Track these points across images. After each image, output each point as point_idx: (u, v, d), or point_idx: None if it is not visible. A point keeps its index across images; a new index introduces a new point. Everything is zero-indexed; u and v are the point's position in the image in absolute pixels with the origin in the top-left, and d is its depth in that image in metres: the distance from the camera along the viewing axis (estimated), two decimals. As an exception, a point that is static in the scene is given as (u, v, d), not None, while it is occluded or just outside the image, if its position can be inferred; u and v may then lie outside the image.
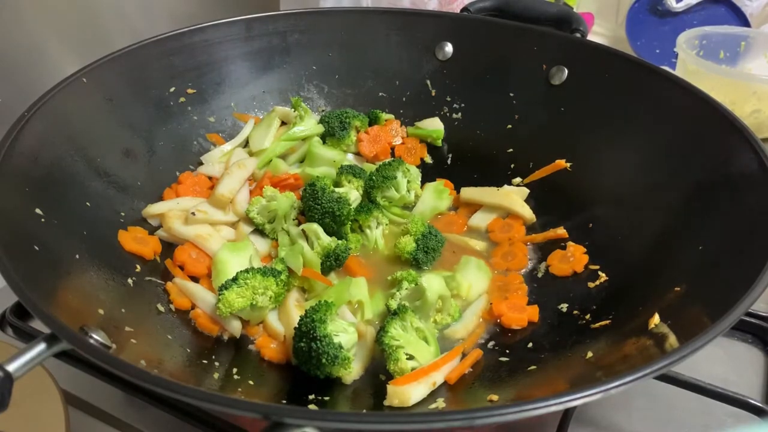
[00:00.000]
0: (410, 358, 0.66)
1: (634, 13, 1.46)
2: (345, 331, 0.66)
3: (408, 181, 0.92)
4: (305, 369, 0.65)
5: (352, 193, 0.88)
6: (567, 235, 0.84)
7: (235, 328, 0.71)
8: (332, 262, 0.78)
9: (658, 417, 0.69)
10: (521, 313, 0.74)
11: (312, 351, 0.62)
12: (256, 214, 0.84)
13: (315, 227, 0.80)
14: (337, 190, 0.85)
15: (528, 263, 0.84)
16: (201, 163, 0.93)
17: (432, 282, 0.72)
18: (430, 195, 0.93)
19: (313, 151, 0.95)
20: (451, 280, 0.77)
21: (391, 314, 0.69)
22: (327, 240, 0.79)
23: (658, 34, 1.43)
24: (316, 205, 0.82)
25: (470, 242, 0.87)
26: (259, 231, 0.85)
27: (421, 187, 0.96)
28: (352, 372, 0.66)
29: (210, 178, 0.91)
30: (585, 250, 0.80)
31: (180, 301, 0.73)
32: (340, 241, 0.79)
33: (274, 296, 0.72)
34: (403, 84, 1.04)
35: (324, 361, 0.62)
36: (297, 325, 0.65)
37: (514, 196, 0.91)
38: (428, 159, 1.02)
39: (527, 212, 0.89)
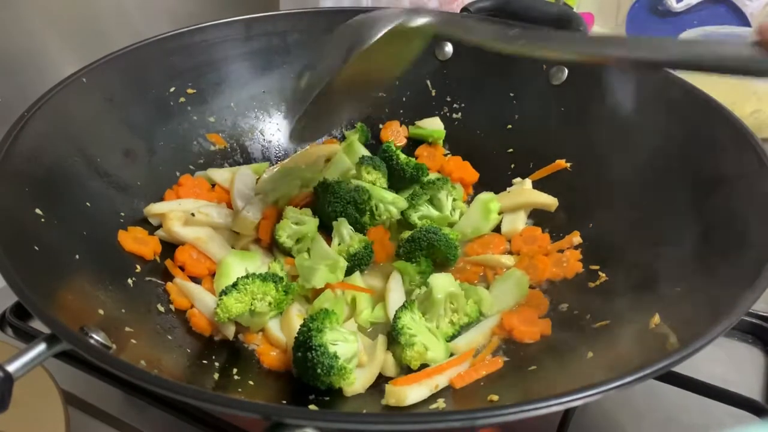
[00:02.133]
0: (426, 349, 0.67)
1: (634, 13, 1.45)
2: (345, 341, 0.64)
3: (453, 199, 0.89)
4: (306, 380, 0.64)
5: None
6: (581, 241, 0.83)
7: (229, 330, 0.71)
8: (357, 264, 0.78)
9: (658, 417, 0.69)
10: (533, 326, 0.72)
11: (308, 361, 0.62)
12: (286, 238, 0.81)
13: (341, 224, 0.80)
14: (353, 181, 0.85)
15: (547, 277, 0.80)
16: (201, 164, 0.93)
17: (438, 281, 0.72)
18: (477, 212, 0.88)
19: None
20: (473, 293, 0.75)
21: (401, 308, 0.70)
22: (355, 239, 0.80)
23: (658, 34, 1.43)
24: (335, 199, 0.82)
25: (501, 259, 0.83)
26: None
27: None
28: (353, 384, 0.64)
29: (213, 184, 0.90)
30: (580, 256, 0.80)
31: (180, 301, 0.73)
32: (360, 241, 0.79)
33: (274, 303, 0.71)
34: (403, 84, 1.04)
35: (319, 371, 0.61)
36: (296, 335, 0.65)
37: (527, 191, 0.90)
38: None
39: (548, 199, 0.88)
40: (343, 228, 0.81)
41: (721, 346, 0.77)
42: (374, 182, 0.90)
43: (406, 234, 0.82)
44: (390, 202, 0.86)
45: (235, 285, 0.70)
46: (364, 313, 0.75)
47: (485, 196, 0.90)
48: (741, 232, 0.64)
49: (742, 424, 0.67)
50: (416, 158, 0.99)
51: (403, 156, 0.94)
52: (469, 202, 0.93)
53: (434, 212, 0.87)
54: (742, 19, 1.38)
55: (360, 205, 0.83)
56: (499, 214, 0.89)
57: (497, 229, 0.89)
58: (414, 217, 0.87)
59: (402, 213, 0.87)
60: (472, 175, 0.97)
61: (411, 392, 0.61)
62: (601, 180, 0.86)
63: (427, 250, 0.79)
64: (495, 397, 0.60)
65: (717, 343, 0.50)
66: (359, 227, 0.84)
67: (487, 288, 0.79)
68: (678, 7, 1.40)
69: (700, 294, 0.62)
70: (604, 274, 0.77)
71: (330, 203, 0.83)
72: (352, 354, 0.65)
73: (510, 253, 0.86)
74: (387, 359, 0.68)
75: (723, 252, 0.64)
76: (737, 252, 0.62)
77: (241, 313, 0.69)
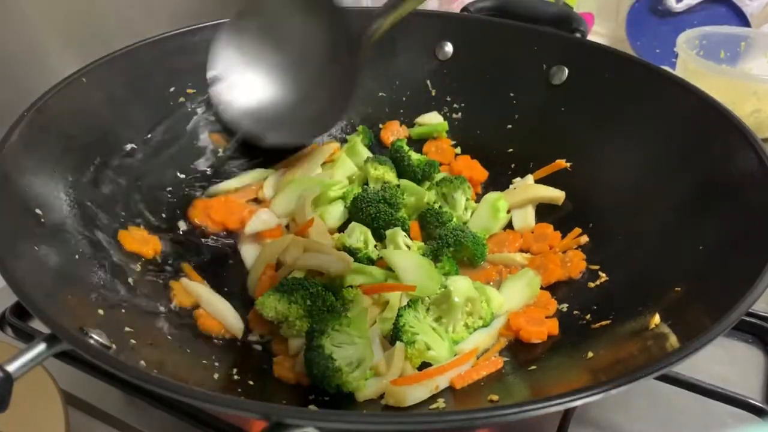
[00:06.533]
0: (428, 348, 0.67)
1: (634, 13, 1.46)
2: (352, 344, 0.64)
3: (466, 199, 0.90)
4: (313, 382, 0.64)
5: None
6: (588, 239, 0.83)
7: (236, 328, 0.71)
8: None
9: (658, 417, 0.69)
10: (541, 326, 0.70)
11: (307, 361, 0.62)
12: (354, 241, 0.82)
13: (396, 234, 0.80)
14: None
15: (561, 274, 0.79)
16: (201, 163, 0.92)
17: (458, 284, 0.72)
18: (486, 212, 0.88)
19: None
20: (482, 292, 0.74)
21: (404, 306, 0.70)
22: (413, 247, 0.81)
23: (658, 34, 1.43)
24: (366, 204, 0.83)
25: (516, 257, 0.82)
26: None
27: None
28: (363, 389, 0.63)
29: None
30: (584, 256, 0.80)
31: (183, 299, 0.73)
32: (419, 248, 0.81)
33: (299, 329, 0.70)
34: (403, 84, 1.04)
35: (315, 371, 0.61)
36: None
37: (533, 186, 0.90)
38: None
39: (555, 192, 0.88)
40: (399, 238, 0.81)
41: (721, 346, 0.77)
42: (382, 176, 0.90)
43: (435, 232, 0.82)
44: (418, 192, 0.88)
45: (290, 291, 0.69)
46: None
47: (493, 195, 0.90)
48: (741, 231, 0.64)
49: (742, 424, 0.67)
50: (426, 155, 1.00)
51: (414, 155, 0.94)
52: (476, 201, 0.92)
53: (450, 214, 0.87)
54: (742, 19, 1.38)
55: (390, 200, 0.83)
56: (507, 212, 0.89)
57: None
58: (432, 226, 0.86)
59: (422, 221, 0.87)
60: (481, 174, 0.96)
61: (411, 392, 0.61)
62: (600, 180, 0.86)
63: (455, 248, 0.79)
64: (495, 397, 0.60)
65: (717, 343, 0.50)
66: (397, 222, 0.83)
67: (496, 286, 0.78)
68: (678, 7, 1.40)
69: (700, 294, 0.62)
70: (604, 274, 0.77)
71: (362, 210, 0.83)
72: (358, 357, 0.64)
73: (522, 250, 0.85)
74: (405, 367, 0.66)
75: (723, 252, 0.64)
76: (737, 252, 0.62)
77: (280, 314, 0.69)
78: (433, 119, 1.02)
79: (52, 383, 0.65)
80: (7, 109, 0.73)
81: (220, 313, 0.72)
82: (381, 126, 1.04)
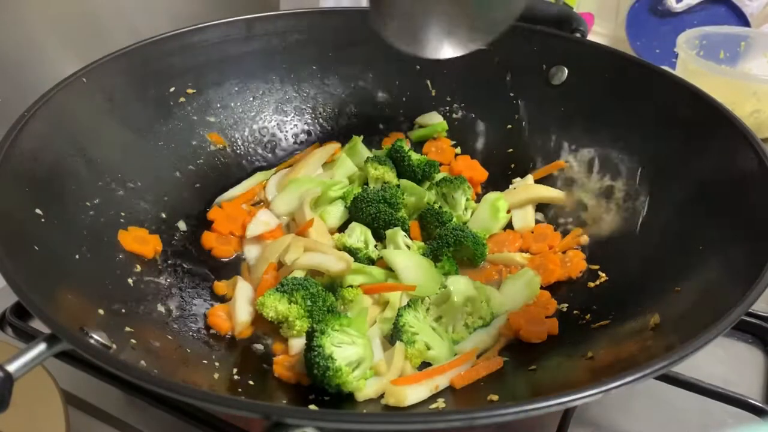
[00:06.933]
0: (428, 347, 0.67)
1: (634, 13, 1.46)
2: (352, 344, 0.64)
3: (466, 199, 0.90)
4: (314, 382, 0.63)
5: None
6: (588, 239, 0.83)
7: (243, 324, 0.72)
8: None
9: (658, 417, 0.69)
10: (541, 326, 0.70)
11: (307, 361, 0.62)
12: (354, 241, 0.82)
13: (396, 234, 0.80)
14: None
15: (561, 274, 0.79)
16: (200, 163, 0.92)
17: (458, 284, 0.72)
18: (486, 212, 0.88)
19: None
20: (482, 292, 0.73)
21: (404, 306, 0.70)
22: (413, 247, 0.81)
23: (658, 34, 1.43)
24: (366, 204, 0.83)
25: (515, 257, 0.82)
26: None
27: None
28: (363, 389, 0.63)
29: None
30: (584, 255, 0.80)
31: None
32: (420, 248, 0.81)
33: (300, 329, 0.70)
34: (403, 84, 1.04)
35: (315, 371, 0.61)
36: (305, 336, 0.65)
37: (533, 186, 0.90)
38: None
39: (555, 193, 0.89)
40: (399, 238, 0.81)
41: (721, 346, 0.77)
42: (382, 176, 0.90)
43: (435, 231, 0.82)
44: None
45: (290, 291, 0.69)
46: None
47: (492, 195, 0.90)
48: (741, 231, 0.64)
49: (742, 424, 0.67)
50: (426, 155, 0.99)
51: (414, 155, 0.94)
52: (476, 201, 0.92)
53: (450, 214, 0.87)
54: (742, 19, 1.38)
55: (390, 200, 0.83)
56: (507, 212, 0.89)
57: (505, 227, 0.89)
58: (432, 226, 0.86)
59: (422, 221, 0.87)
60: (482, 174, 0.96)
61: (411, 392, 0.61)
62: (601, 180, 0.86)
63: (455, 248, 0.79)
64: (495, 397, 0.60)
65: (717, 343, 0.50)
66: (397, 222, 0.83)
67: (496, 286, 0.78)
68: (678, 7, 1.41)
69: (700, 294, 0.62)
70: (604, 274, 0.77)
71: (362, 210, 0.83)
72: (358, 357, 0.64)
73: (522, 250, 0.85)
74: (405, 367, 0.66)
75: (723, 252, 0.64)
76: (737, 251, 0.62)
77: (282, 313, 0.69)
78: (433, 119, 1.02)
79: (53, 383, 0.65)
80: (7, 109, 0.73)
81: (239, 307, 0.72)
82: (381, 126, 1.04)
